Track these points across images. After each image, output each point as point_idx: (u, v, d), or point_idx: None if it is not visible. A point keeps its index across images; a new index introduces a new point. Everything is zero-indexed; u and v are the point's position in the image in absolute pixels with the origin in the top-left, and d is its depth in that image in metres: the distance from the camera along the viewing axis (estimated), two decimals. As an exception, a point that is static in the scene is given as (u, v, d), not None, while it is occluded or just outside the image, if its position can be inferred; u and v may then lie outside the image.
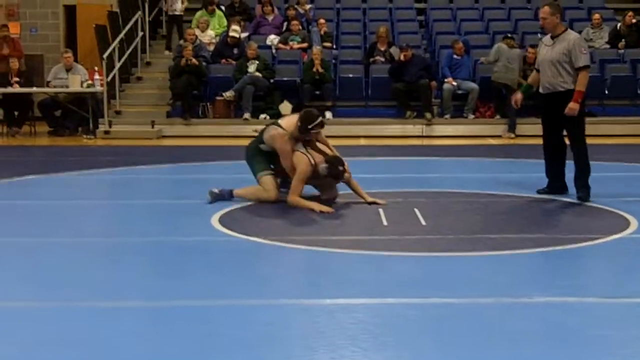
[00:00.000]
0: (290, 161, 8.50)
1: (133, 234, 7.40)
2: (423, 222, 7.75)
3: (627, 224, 7.62)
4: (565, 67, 8.78)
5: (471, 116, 17.65)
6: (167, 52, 20.05)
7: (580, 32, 19.51)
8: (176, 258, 6.49)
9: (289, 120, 8.70)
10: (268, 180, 8.71)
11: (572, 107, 8.66)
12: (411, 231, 7.39)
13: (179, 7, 19.89)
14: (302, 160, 8.45)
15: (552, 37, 8.95)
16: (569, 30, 9.13)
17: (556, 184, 9.20)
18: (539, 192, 9.20)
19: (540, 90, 9.07)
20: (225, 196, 8.76)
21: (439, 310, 4.98)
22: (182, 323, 4.73)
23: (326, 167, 8.37)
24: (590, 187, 8.88)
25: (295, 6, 20.04)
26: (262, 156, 8.81)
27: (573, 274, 5.99)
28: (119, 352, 4.26)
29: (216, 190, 8.78)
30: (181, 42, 18.60)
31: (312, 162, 8.44)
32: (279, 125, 8.64)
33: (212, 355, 4.21)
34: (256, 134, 9.00)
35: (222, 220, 7.78)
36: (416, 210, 8.22)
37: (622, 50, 18.96)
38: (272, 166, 8.81)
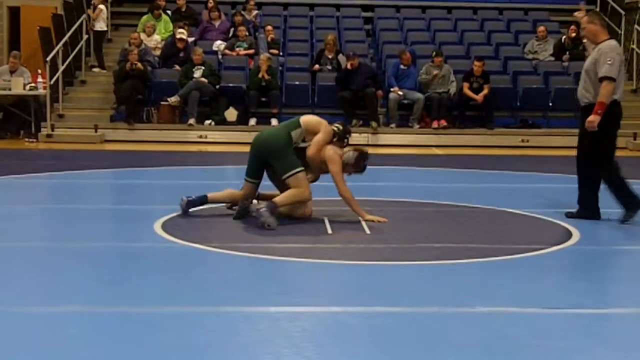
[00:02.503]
0: (339, 167, 8.21)
1: (74, 239, 7.29)
2: (367, 231, 7.75)
3: (569, 235, 7.68)
4: (591, 78, 8.22)
5: (417, 126, 17.72)
6: (96, 70, 19.73)
7: (525, 45, 19.82)
8: (117, 264, 6.42)
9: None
10: (304, 176, 8.17)
11: (591, 119, 8.06)
12: (356, 240, 7.38)
13: (101, 24, 19.61)
14: (337, 157, 8.27)
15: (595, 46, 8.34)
16: (610, 39, 8.38)
17: (586, 206, 8.48)
18: (567, 215, 8.47)
19: None
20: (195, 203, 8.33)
21: (383, 319, 4.97)
22: (123, 329, 4.67)
23: (356, 157, 8.30)
24: (594, 209, 8.40)
25: (242, 12, 20.00)
26: (293, 151, 8.23)
27: (515, 285, 6.01)
28: (59, 358, 4.18)
29: (185, 199, 8.31)
30: (126, 45, 18.46)
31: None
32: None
33: (153, 363, 4.16)
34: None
35: (164, 227, 7.71)
36: (361, 219, 8.20)
37: (567, 63, 19.17)
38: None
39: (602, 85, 8.09)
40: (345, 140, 8.48)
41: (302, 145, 8.28)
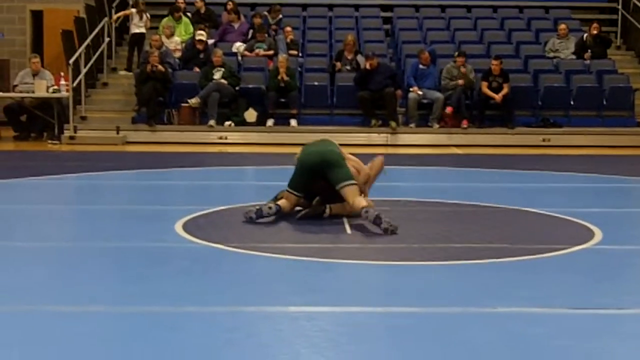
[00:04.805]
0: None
1: (96, 239, 7.33)
2: (387, 231, 7.73)
3: (591, 235, 7.63)
4: None
5: (436, 125, 17.70)
6: (122, 72, 19.77)
7: (546, 43, 19.75)
8: (138, 264, 6.44)
9: None
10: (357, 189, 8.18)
11: None
12: (375, 240, 7.37)
13: (140, 26, 19.58)
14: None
15: None
16: None
17: None
18: None
19: None
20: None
21: (402, 320, 4.96)
22: (144, 328, 4.68)
23: None
24: None
25: (266, 14, 20.03)
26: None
27: (537, 285, 5.98)
28: (81, 357, 4.20)
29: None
30: (147, 48, 18.53)
31: None
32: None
33: (172, 363, 4.16)
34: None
35: (185, 227, 7.73)
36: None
37: (588, 61, 19.10)
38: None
39: None
40: None
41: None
